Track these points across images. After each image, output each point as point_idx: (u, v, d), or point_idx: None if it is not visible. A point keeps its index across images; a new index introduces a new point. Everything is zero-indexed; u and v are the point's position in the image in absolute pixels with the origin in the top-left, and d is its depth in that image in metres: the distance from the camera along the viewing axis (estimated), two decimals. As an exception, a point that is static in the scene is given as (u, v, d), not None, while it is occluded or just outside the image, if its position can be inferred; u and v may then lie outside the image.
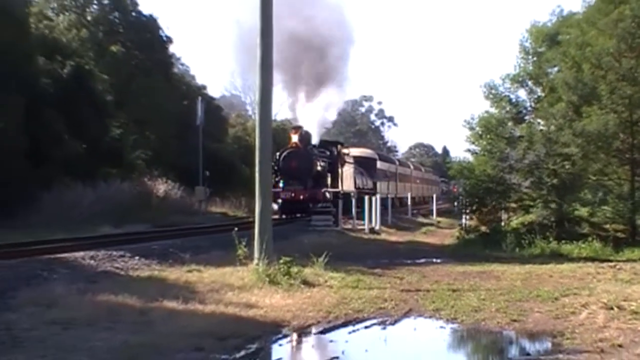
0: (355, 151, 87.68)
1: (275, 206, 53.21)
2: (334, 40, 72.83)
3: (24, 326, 15.84)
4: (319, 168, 62.16)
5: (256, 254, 25.39)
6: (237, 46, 76.81)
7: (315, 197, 58.18)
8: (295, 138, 61.75)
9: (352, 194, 67.50)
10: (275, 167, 58.88)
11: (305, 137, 62.64)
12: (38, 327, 15.80)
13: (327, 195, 59.74)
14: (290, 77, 69.15)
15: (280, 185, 59.97)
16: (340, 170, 68.30)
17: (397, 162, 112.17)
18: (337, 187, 65.73)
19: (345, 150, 75.94)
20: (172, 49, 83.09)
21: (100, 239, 33.60)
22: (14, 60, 46.46)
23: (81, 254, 26.48)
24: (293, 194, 58.90)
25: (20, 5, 53.46)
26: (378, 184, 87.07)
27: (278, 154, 61.45)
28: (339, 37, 73.97)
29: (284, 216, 60.35)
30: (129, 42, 72.36)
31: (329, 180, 64.59)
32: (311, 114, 74.03)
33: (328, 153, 67.03)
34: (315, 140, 70.34)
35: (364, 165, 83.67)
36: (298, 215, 60.36)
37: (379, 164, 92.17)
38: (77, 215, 46.65)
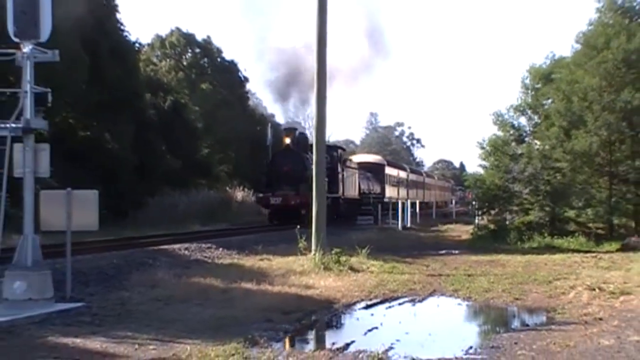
0: (360, 157, 78.11)
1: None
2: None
3: (134, 302, 16.07)
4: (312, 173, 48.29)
5: (313, 246, 25.53)
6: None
7: (307, 202, 41.74)
8: (287, 140, 49.72)
9: (386, 200, 63.77)
10: (267, 171, 51.87)
11: (300, 140, 51.43)
12: (145, 302, 16.02)
13: None
14: (283, 85, 57.96)
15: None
16: (340, 176, 54.81)
17: (408, 169, 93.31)
18: (337, 192, 52.83)
19: (348, 157, 65.83)
20: (248, 86, 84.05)
21: (192, 235, 33.79)
22: (128, 96, 47.25)
23: (178, 246, 26.71)
24: (283, 199, 47.09)
25: (132, 54, 54.31)
26: (387, 189, 74.65)
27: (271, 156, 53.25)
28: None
29: (275, 222, 47.53)
30: (215, 81, 73.01)
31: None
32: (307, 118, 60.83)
33: (327, 157, 46.30)
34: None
35: (371, 171, 70.50)
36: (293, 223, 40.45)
37: (387, 170, 77.08)
38: (174, 216, 47.04)
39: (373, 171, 70.93)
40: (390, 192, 76.22)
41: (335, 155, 53.16)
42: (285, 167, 47.02)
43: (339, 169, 53.55)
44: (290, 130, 49.89)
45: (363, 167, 68.36)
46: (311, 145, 47.89)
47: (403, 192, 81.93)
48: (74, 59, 23.59)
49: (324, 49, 27.62)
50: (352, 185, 58.77)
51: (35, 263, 15.70)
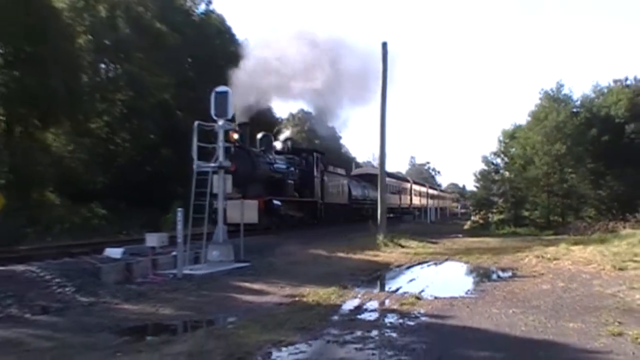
0: (361, 170, 57.80)
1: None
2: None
3: (277, 264, 16.20)
4: (274, 174, 28.01)
5: (379, 232, 25.33)
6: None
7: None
8: (236, 137, 22.19)
9: (418, 206, 55.85)
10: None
11: (261, 138, 29.53)
12: (283, 264, 16.16)
13: (276, 203, 26.50)
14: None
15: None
16: (318, 180, 33.09)
17: (411, 181, 68.99)
18: (313, 196, 32.06)
19: (331, 163, 38.86)
20: (341, 141, 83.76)
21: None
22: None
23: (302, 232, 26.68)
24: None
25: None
26: (387, 196, 43.56)
27: None
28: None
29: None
30: (320, 141, 72.73)
31: (292, 189, 29.77)
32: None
33: (299, 160, 32.04)
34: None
35: (370, 180, 45.59)
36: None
37: (387, 180, 42.02)
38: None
39: (374, 181, 42.45)
40: (389, 198, 47.75)
41: (311, 159, 33.00)
42: (231, 166, 22.84)
43: (316, 174, 33.05)
44: (241, 125, 25.91)
45: (362, 177, 48.72)
46: (284, 149, 32.00)
47: (405, 199, 60.68)
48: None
49: (385, 103, 27.34)
50: (337, 191, 38.11)
51: (224, 240, 16.29)
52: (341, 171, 40.08)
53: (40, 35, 26.80)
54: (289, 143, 33.16)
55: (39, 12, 27.72)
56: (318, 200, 32.75)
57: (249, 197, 23.07)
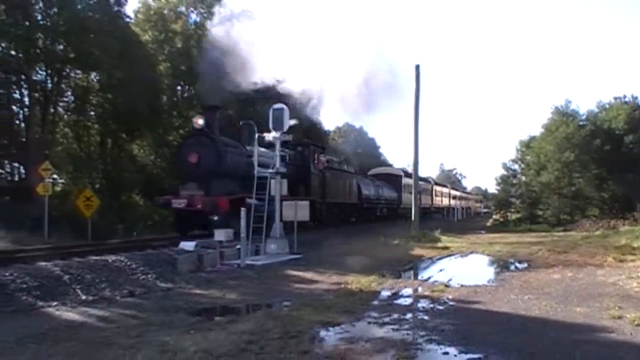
0: (378, 170, 46.11)
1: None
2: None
3: (325, 256, 16.01)
4: (251, 169, 16.45)
5: (413, 229, 25.00)
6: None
7: (217, 206, 16.32)
8: (200, 122, 17.44)
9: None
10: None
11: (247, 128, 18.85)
12: (330, 256, 15.93)
13: (252, 202, 15.37)
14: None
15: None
16: (317, 177, 25.27)
17: (433, 182, 59.31)
18: (310, 195, 23.67)
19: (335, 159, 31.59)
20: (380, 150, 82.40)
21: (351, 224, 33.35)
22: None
23: (344, 230, 26.51)
24: (188, 202, 16.61)
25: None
26: (403, 195, 42.05)
27: None
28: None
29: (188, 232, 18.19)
30: (362, 150, 72.03)
31: (284, 187, 17.07)
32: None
33: (293, 154, 23.62)
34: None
35: (387, 180, 41.57)
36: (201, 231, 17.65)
37: (404, 180, 42.54)
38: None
39: (390, 181, 42.14)
40: (406, 197, 41.17)
41: (307, 153, 24.65)
42: (192, 157, 17.43)
43: (314, 170, 24.91)
44: (210, 109, 18.20)
45: (376, 177, 41.08)
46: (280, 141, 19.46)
47: (426, 199, 49.63)
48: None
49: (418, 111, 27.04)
50: (344, 190, 30.13)
51: (281, 235, 16.30)
52: (349, 169, 32.35)
53: (129, 64, 27.49)
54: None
55: (129, 45, 28.44)
56: (316, 199, 25.08)
57: (212, 194, 17.02)
